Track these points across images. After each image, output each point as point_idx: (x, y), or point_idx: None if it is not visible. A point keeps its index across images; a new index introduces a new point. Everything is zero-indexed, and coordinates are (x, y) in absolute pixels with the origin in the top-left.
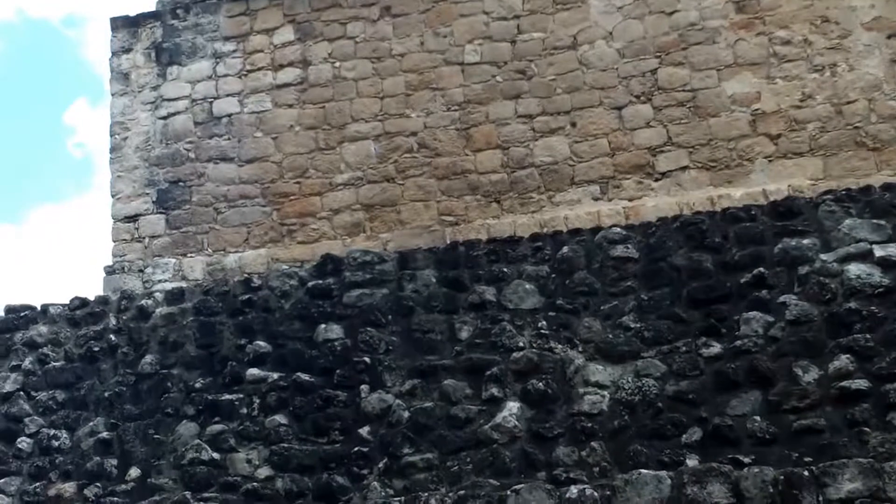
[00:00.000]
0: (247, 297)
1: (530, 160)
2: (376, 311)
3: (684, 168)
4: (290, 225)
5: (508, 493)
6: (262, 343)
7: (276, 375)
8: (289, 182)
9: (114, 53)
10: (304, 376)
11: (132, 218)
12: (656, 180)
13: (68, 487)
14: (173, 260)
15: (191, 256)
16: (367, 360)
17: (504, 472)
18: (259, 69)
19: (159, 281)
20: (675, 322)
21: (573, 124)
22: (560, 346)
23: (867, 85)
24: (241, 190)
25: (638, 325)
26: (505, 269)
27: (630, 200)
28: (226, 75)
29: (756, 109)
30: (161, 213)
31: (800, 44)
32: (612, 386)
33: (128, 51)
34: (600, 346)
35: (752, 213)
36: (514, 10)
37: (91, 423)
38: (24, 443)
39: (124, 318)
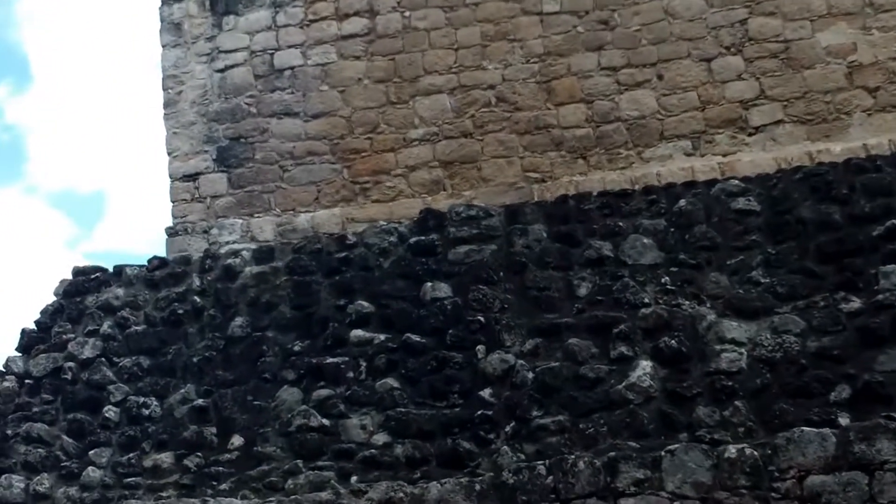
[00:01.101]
0: (343, 255)
1: (616, 114)
2: (487, 268)
3: (779, 122)
4: (363, 183)
5: (663, 453)
6: (364, 303)
7: (382, 337)
8: (359, 138)
9: (164, 2)
10: (415, 337)
11: (191, 177)
12: (750, 135)
13: (165, 458)
14: (240, 220)
15: (258, 216)
16: (481, 319)
17: (642, 434)
18: (322, 19)
19: (226, 243)
20: (807, 277)
21: (660, 77)
22: (687, 302)
23: None
24: (309, 146)
25: (768, 281)
26: (620, 224)
27: (724, 156)
28: (287, 25)
29: (852, 61)
30: (222, 171)
31: None
32: (749, 343)
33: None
34: (731, 302)
35: (878, 163)
36: None
37: (182, 391)
38: (110, 412)
39: (209, 278)
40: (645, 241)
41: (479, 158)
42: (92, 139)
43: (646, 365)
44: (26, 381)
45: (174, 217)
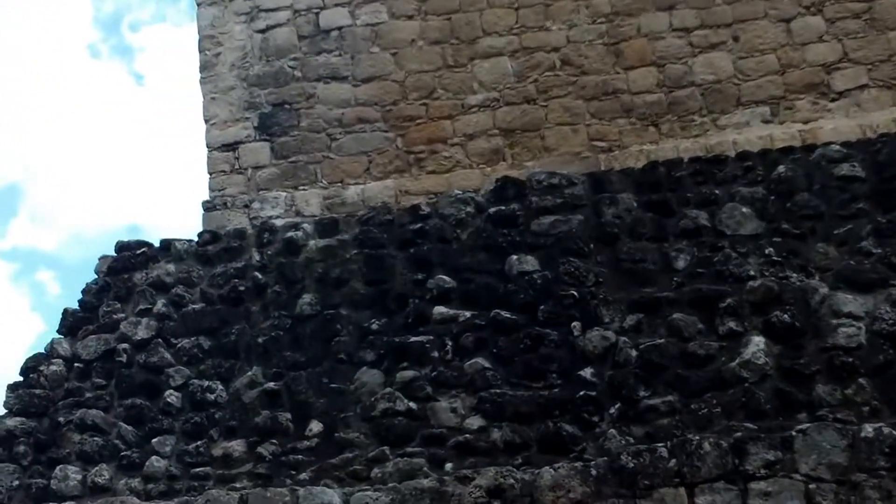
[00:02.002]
0: (418, 226)
1: (690, 79)
2: (576, 239)
3: (863, 87)
4: (418, 153)
5: (794, 433)
6: (445, 278)
7: (468, 314)
8: (413, 104)
9: None
10: (504, 314)
11: (231, 146)
12: (833, 101)
13: (236, 445)
14: (283, 193)
15: (303, 189)
16: (574, 293)
17: (759, 414)
18: None
19: (269, 217)
20: None
21: (735, 38)
22: (795, 274)
23: None
24: (359, 113)
25: (881, 251)
26: (716, 192)
27: (805, 123)
28: None
29: None
30: (265, 139)
31: None
32: (867, 317)
33: None
34: (843, 274)
35: None
36: None
37: (249, 373)
38: (172, 396)
39: (268, 252)
40: (743, 210)
41: (542, 126)
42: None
43: (759, 341)
44: (75, 364)
45: (211, 190)
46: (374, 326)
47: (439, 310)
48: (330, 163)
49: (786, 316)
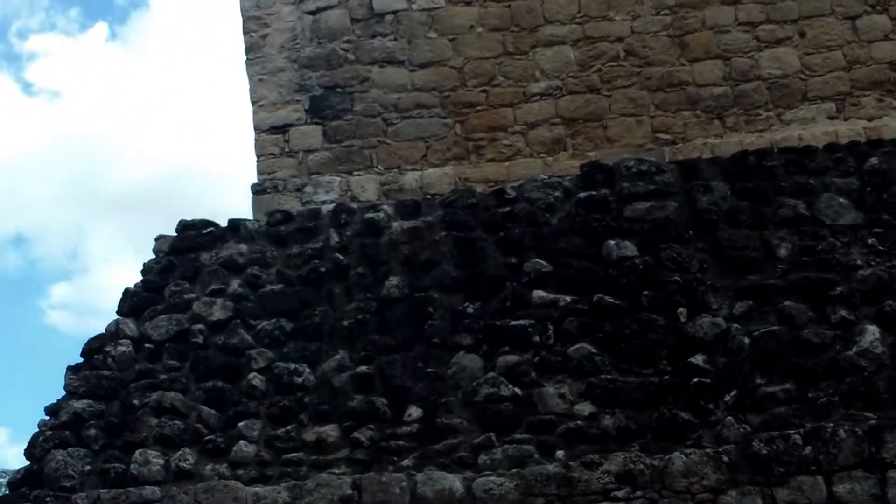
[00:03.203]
0: (507, 209)
1: (756, 73)
2: (674, 225)
3: None
4: (478, 140)
5: None
6: (541, 261)
7: (568, 298)
8: (473, 91)
9: None
10: (608, 298)
11: (280, 129)
12: None
13: (330, 430)
14: (337, 178)
15: (358, 174)
16: (678, 279)
17: (878, 404)
18: None
19: (323, 202)
20: None
21: (801, 34)
22: None
23: None
24: (416, 98)
25: None
26: (811, 182)
27: (869, 120)
28: None
29: None
30: (316, 123)
31: None
32: None
33: None
34: None
35: None
36: None
37: (337, 357)
38: (256, 379)
39: (347, 234)
40: (841, 200)
41: (605, 116)
42: None
43: (874, 330)
44: (145, 345)
45: (260, 173)
46: (470, 310)
47: (539, 294)
48: (386, 148)
49: None
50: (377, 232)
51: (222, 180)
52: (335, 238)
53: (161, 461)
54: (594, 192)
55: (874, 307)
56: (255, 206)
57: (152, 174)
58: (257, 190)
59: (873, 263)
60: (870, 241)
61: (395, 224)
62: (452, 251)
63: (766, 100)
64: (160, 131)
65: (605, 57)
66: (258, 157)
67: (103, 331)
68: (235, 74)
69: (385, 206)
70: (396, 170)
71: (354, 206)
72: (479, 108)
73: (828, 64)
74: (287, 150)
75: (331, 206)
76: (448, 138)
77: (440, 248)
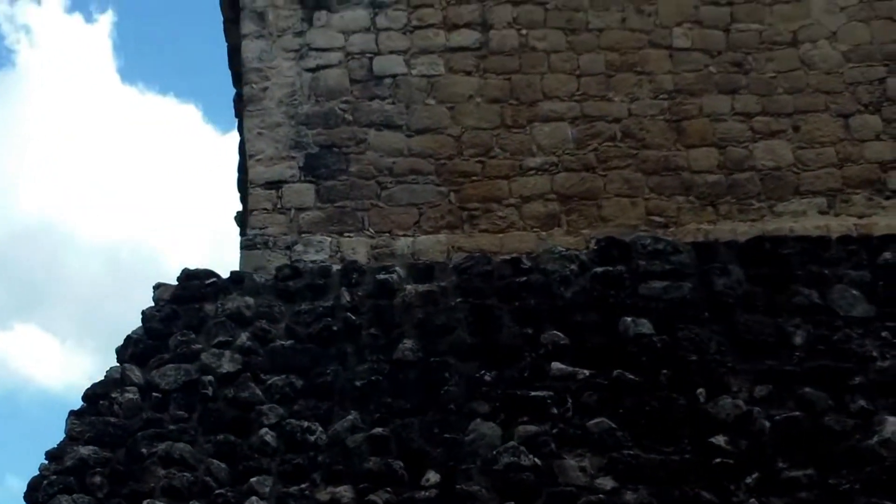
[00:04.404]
0: (523, 279)
1: (750, 163)
2: (691, 305)
3: None
4: (472, 210)
5: None
6: (559, 334)
7: (587, 372)
8: (469, 160)
9: None
10: (628, 374)
11: (275, 184)
12: (887, 198)
13: (344, 491)
14: (328, 238)
15: (349, 236)
16: (695, 359)
17: None
18: (428, 26)
19: (312, 262)
20: None
21: (796, 128)
22: None
23: None
24: (411, 164)
25: None
26: (825, 272)
27: (860, 218)
28: (388, 29)
29: None
30: (310, 181)
31: None
32: None
33: None
34: None
35: None
36: None
37: (350, 417)
38: (268, 435)
39: (358, 293)
40: (854, 292)
41: (600, 195)
42: None
43: (894, 420)
44: (153, 393)
45: (251, 228)
46: (487, 378)
47: (557, 366)
48: (378, 211)
49: None
50: (390, 294)
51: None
52: (346, 297)
53: None
54: (610, 268)
55: (893, 398)
56: (245, 260)
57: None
58: (247, 245)
59: (888, 356)
60: (883, 333)
61: (408, 287)
62: (468, 318)
63: (759, 190)
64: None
65: (602, 136)
66: (251, 211)
67: (105, 377)
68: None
69: (398, 268)
70: (388, 234)
71: (367, 266)
72: (474, 178)
73: (820, 159)
74: (280, 206)
75: (339, 265)
76: (442, 206)
77: (456, 314)
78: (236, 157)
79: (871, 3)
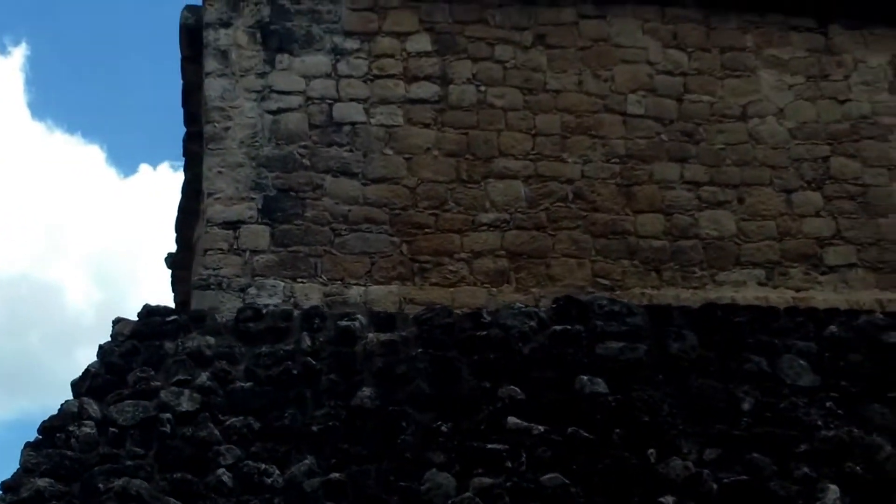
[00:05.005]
0: (483, 333)
1: (695, 231)
2: (646, 368)
3: (852, 266)
4: (424, 262)
5: None
6: (516, 389)
7: (541, 427)
8: (423, 213)
9: (209, 25)
10: (583, 432)
11: (233, 224)
12: (823, 273)
13: None
14: (282, 283)
15: (302, 282)
16: (647, 420)
17: None
18: (389, 76)
19: (265, 306)
20: None
21: (741, 200)
22: (857, 430)
23: None
24: (366, 212)
25: None
26: (774, 341)
27: (797, 291)
28: (349, 76)
29: None
30: (266, 223)
31: None
32: None
33: (226, 25)
34: None
35: None
36: (681, 67)
37: (306, 461)
38: (225, 476)
39: (319, 339)
40: (801, 362)
41: (549, 255)
42: None
43: (835, 489)
44: (110, 429)
45: (205, 268)
46: (444, 428)
47: (513, 420)
48: (331, 258)
49: (858, 468)
50: (351, 341)
51: None
52: (307, 342)
53: None
54: (569, 327)
55: (835, 468)
56: (197, 300)
57: None
58: (201, 285)
59: (832, 426)
60: (827, 403)
61: (370, 335)
62: (427, 368)
63: (702, 258)
64: None
65: (553, 196)
66: (206, 251)
67: (61, 409)
68: None
69: (359, 316)
70: (340, 282)
71: (326, 312)
72: (427, 230)
73: (762, 232)
74: (236, 247)
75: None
76: (394, 257)
77: (415, 365)
78: (177, 197)
79: (818, 83)
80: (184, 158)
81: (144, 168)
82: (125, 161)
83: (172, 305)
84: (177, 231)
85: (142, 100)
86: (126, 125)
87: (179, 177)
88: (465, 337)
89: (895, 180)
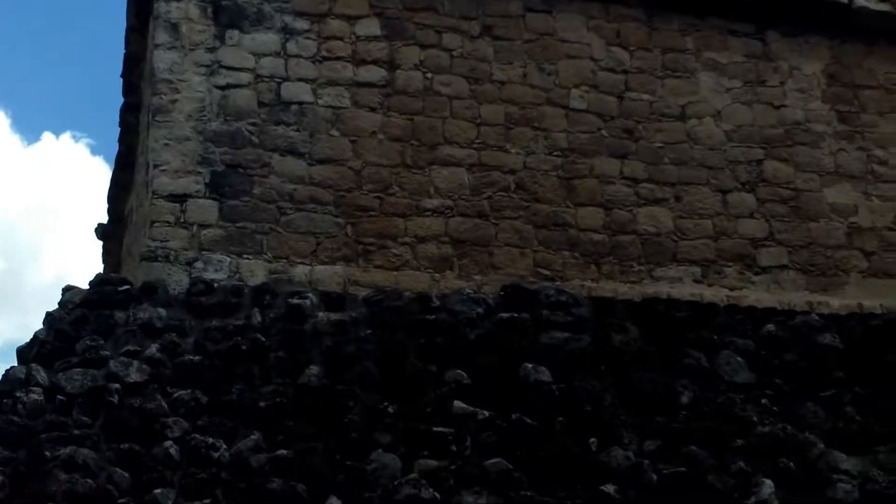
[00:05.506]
0: (432, 317)
1: (633, 226)
2: (589, 358)
3: (784, 267)
4: (368, 244)
5: None
6: (462, 373)
7: (486, 413)
8: (368, 195)
9: None
10: (526, 419)
11: (179, 198)
12: (756, 274)
13: None
14: (228, 258)
15: (247, 258)
16: (589, 409)
17: None
18: (337, 58)
19: (212, 280)
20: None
21: (678, 198)
22: (790, 426)
23: None
24: (312, 192)
25: (860, 419)
26: (714, 337)
27: (731, 290)
28: (298, 56)
29: (853, 222)
30: (214, 198)
31: (895, 167)
32: (860, 476)
33: None
34: (833, 434)
35: None
36: (623, 65)
37: (253, 437)
38: (172, 448)
39: (270, 315)
40: (738, 359)
41: (491, 243)
42: None
43: (770, 484)
44: (58, 396)
45: (152, 239)
46: (390, 410)
47: (459, 405)
48: (277, 236)
49: (791, 464)
50: (301, 319)
51: None
52: (258, 318)
53: None
54: (515, 315)
55: (770, 463)
56: (145, 272)
57: None
58: (148, 256)
59: (767, 422)
60: (763, 400)
61: (320, 314)
62: (376, 350)
63: (640, 254)
64: None
65: (496, 186)
66: (153, 223)
67: (7, 375)
68: None
69: (310, 294)
70: (286, 260)
71: (282, 290)
72: (372, 213)
73: (698, 230)
74: (182, 220)
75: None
76: (339, 238)
77: (364, 346)
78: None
79: (755, 88)
80: (119, 129)
81: (47, 137)
82: (29, 129)
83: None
84: (109, 202)
85: (51, 67)
86: (33, 91)
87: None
88: (414, 320)
89: (826, 186)
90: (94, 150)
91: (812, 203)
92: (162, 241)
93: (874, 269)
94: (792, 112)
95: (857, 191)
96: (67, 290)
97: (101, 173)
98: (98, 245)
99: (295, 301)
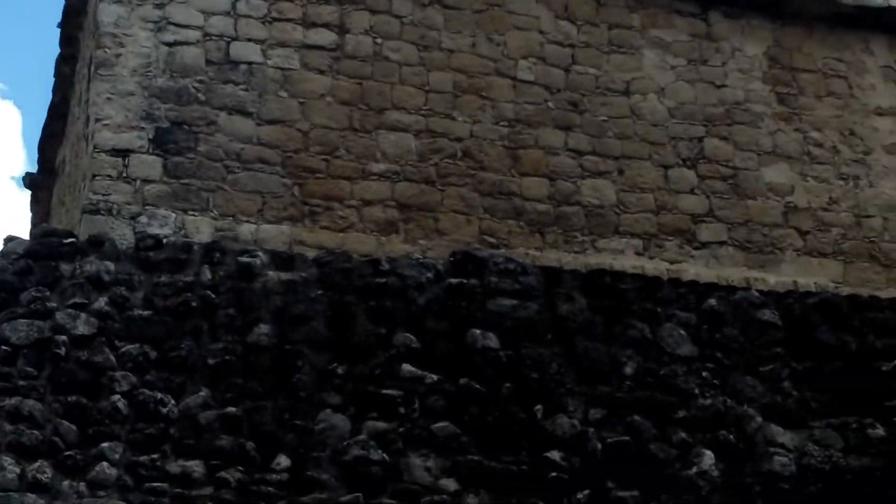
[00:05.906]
0: (382, 280)
1: (577, 198)
2: (536, 326)
3: (722, 243)
4: (314, 206)
5: None
6: (411, 337)
7: (434, 377)
8: (315, 157)
9: None
10: (474, 384)
11: (122, 152)
12: (696, 248)
13: (195, 466)
14: (173, 214)
15: (193, 214)
16: (536, 377)
17: None
18: (287, 20)
19: (157, 235)
20: (833, 396)
21: (620, 172)
22: (730, 400)
23: (884, 204)
24: (259, 152)
25: (797, 394)
26: (658, 310)
27: (671, 263)
28: (248, 16)
29: (789, 202)
30: (158, 154)
31: (830, 149)
32: (796, 451)
33: None
34: (771, 408)
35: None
36: (570, 38)
37: (202, 394)
38: (120, 402)
39: (220, 273)
40: (681, 332)
41: (437, 209)
42: None
43: (710, 454)
44: (3, 347)
45: (94, 193)
46: (339, 371)
47: (407, 368)
48: (223, 194)
49: (731, 436)
50: (250, 277)
51: None
52: (207, 275)
53: (17, 469)
54: (464, 281)
55: (710, 434)
56: (87, 225)
57: None
58: (90, 209)
59: (708, 394)
60: (704, 373)
61: (270, 273)
62: (325, 311)
63: (584, 225)
64: None
65: (443, 153)
66: (94, 176)
67: None
68: None
69: (260, 253)
70: (232, 218)
71: (232, 247)
72: (318, 175)
73: (640, 204)
74: (125, 175)
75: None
76: (285, 198)
77: (313, 306)
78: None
79: (697, 67)
80: (54, 79)
81: None
82: None
83: None
84: (39, 152)
85: None
86: None
87: None
88: (364, 283)
89: (763, 165)
90: (4, 95)
91: (750, 181)
92: (104, 195)
93: (809, 248)
94: (733, 92)
95: (793, 171)
96: (10, 240)
97: (12, 118)
98: (17, 192)
99: (245, 259)
